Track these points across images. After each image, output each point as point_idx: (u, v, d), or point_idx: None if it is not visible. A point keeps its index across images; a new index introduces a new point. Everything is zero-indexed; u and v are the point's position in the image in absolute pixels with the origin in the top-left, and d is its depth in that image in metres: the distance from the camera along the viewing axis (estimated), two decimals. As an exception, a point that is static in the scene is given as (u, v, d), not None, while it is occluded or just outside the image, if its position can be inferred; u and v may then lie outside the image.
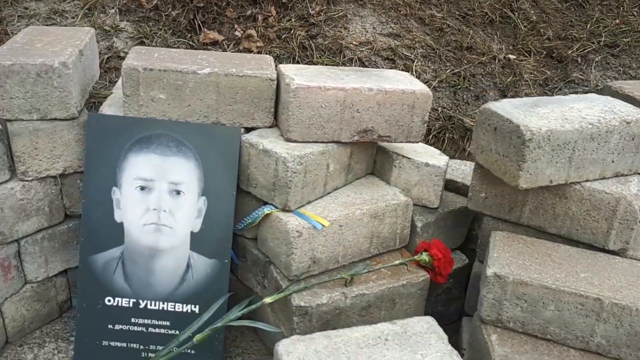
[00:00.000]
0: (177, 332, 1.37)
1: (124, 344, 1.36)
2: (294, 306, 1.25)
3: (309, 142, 1.32)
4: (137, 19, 2.90)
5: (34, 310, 1.47)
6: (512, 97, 2.81)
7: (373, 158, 1.51)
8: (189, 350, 1.30)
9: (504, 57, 3.32)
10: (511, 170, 1.20)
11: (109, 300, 1.35)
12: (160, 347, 1.35)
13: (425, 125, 1.40)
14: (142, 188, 1.34)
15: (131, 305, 1.36)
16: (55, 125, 1.31)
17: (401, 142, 1.40)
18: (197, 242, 1.35)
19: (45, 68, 1.24)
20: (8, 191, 1.30)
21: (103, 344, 1.36)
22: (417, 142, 1.43)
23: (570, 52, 3.21)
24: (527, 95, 2.94)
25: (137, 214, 1.34)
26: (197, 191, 1.34)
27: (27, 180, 1.33)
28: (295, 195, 1.29)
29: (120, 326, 1.36)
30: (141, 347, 1.37)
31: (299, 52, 2.81)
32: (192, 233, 1.34)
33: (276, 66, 1.40)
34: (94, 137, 1.34)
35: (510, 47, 3.44)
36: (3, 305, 1.38)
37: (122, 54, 2.67)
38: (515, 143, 1.18)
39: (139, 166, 1.34)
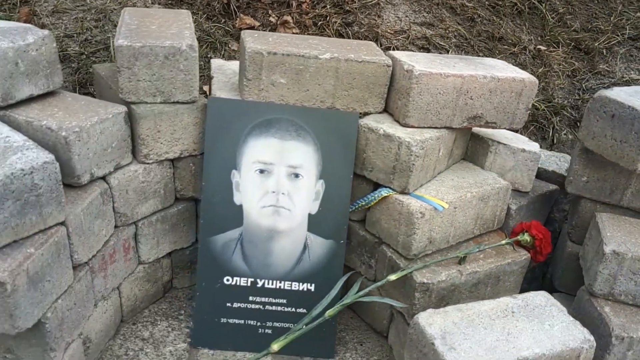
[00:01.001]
0: (293, 309, 1.43)
1: (242, 321, 1.41)
2: (416, 283, 1.31)
3: (423, 127, 1.39)
4: (169, 2, 2.87)
5: (144, 290, 1.50)
6: (544, 87, 2.90)
7: (467, 144, 1.59)
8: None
9: (535, 48, 3.42)
10: (630, 155, 1.27)
11: (227, 280, 1.40)
12: (277, 324, 1.41)
13: (528, 112, 1.47)
14: (262, 171, 1.38)
15: (249, 284, 1.41)
16: (177, 108, 1.32)
17: (504, 128, 1.47)
18: (315, 223, 1.40)
19: (173, 50, 1.26)
20: (132, 174, 1.32)
21: (221, 321, 1.41)
22: (519, 129, 1.50)
23: (596, 44, 3.33)
24: (558, 86, 3.04)
25: (256, 197, 1.38)
26: (315, 174, 1.39)
27: (147, 163, 1.35)
28: (414, 178, 1.35)
29: (238, 304, 1.41)
30: (258, 323, 1.42)
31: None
32: (309, 215, 1.39)
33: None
34: (214, 121, 1.36)
35: (539, 38, 3.54)
36: (121, 285, 1.42)
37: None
38: (637, 129, 1.26)
39: (259, 150, 1.38)
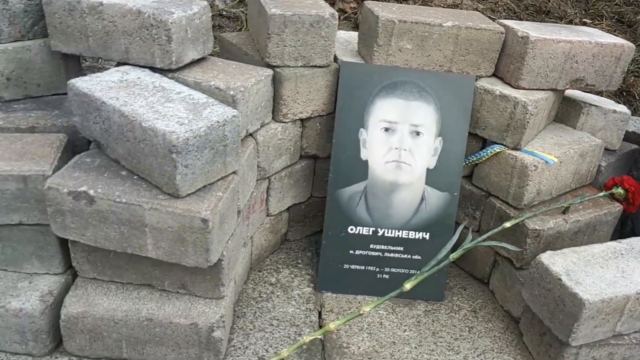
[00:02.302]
0: (409, 256, 1.57)
1: (362, 267, 1.56)
2: (528, 229, 1.45)
3: (533, 89, 1.50)
4: None
5: (267, 241, 1.64)
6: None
7: (559, 106, 1.71)
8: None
9: (580, 21, 3.49)
10: None
11: (351, 229, 1.54)
12: (394, 270, 1.56)
13: (623, 75, 1.58)
14: (387, 129, 1.50)
15: (370, 233, 1.55)
16: (314, 71, 1.45)
17: (600, 90, 1.59)
18: (432, 177, 1.53)
19: (318, 19, 1.38)
20: (273, 131, 1.45)
21: (344, 267, 1.56)
22: (613, 90, 1.59)
23: (638, 17, 3.40)
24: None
25: (381, 153, 1.51)
26: (435, 132, 1.52)
27: (285, 122, 1.48)
28: (527, 135, 1.47)
29: (360, 251, 1.55)
30: (377, 269, 1.57)
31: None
32: (427, 169, 1.53)
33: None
34: (346, 84, 1.48)
35: (583, 12, 3.61)
36: (254, 234, 1.55)
37: (223, 13, 2.72)
38: None
39: (385, 110, 1.50)
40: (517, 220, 1.47)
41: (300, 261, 1.72)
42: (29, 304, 1.21)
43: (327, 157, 1.65)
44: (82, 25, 1.31)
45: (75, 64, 1.49)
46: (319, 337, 1.33)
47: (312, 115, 1.53)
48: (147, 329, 1.23)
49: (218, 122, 1.13)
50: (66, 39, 1.34)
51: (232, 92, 1.27)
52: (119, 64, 1.37)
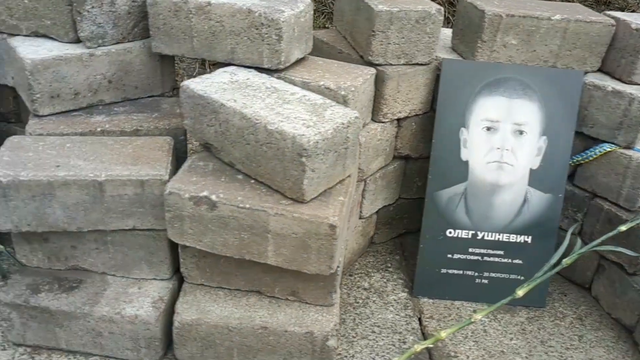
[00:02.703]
0: (510, 260, 1.51)
1: (460, 272, 1.51)
2: (644, 232, 1.39)
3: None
4: None
5: (358, 244, 1.61)
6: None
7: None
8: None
9: (642, 10, 3.37)
10: None
11: (450, 232, 1.49)
12: (493, 274, 1.49)
13: None
14: (488, 129, 1.45)
15: (470, 236, 1.50)
16: (416, 69, 1.40)
17: None
18: (535, 178, 1.47)
19: (424, 14, 1.33)
20: (373, 131, 1.41)
21: (442, 271, 1.51)
22: None
23: None
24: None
25: (482, 153, 1.46)
26: (539, 131, 1.45)
27: (383, 122, 1.44)
28: (640, 133, 1.41)
29: (459, 255, 1.50)
30: (475, 274, 1.52)
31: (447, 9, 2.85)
32: (530, 170, 1.47)
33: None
34: (447, 81, 1.43)
35: (645, 2, 3.48)
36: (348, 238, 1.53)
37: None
38: None
39: (487, 108, 1.44)
40: (634, 223, 1.41)
41: (389, 265, 1.67)
42: (143, 311, 1.19)
43: (418, 157, 1.60)
44: (187, 26, 1.29)
45: (170, 66, 1.47)
46: (430, 345, 1.30)
47: (409, 115, 1.48)
48: (260, 337, 1.20)
49: (342, 124, 1.09)
50: (169, 40, 1.32)
51: (343, 92, 1.23)
52: (217, 64, 1.35)
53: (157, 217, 1.18)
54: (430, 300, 1.51)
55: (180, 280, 1.27)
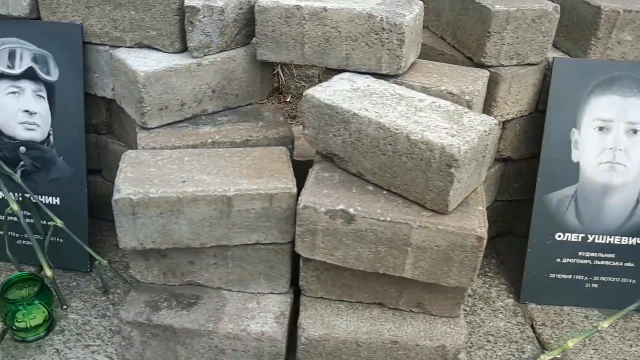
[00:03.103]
0: (621, 263, 1.46)
1: (570, 276, 1.47)
2: None
3: None
4: None
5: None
6: None
7: None
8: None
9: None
10: None
11: (559, 236, 1.44)
12: (603, 278, 1.44)
13: None
14: (601, 128, 1.40)
15: (579, 239, 1.45)
16: (527, 70, 1.35)
17: None
18: (649, 179, 1.44)
19: (541, 13, 1.28)
20: (483, 135, 1.38)
21: (550, 276, 1.47)
22: None
23: None
24: None
25: (594, 154, 1.41)
26: (654, 130, 1.42)
27: (492, 125, 1.41)
28: None
29: (568, 259, 1.46)
30: (585, 278, 1.48)
31: None
32: (644, 170, 1.44)
33: None
34: (558, 81, 1.38)
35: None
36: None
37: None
38: None
39: (600, 107, 1.39)
40: None
41: (488, 269, 1.63)
42: (268, 327, 1.16)
43: (518, 159, 1.57)
44: (299, 33, 1.25)
45: (269, 73, 1.42)
46: (557, 355, 1.26)
47: (516, 117, 1.44)
48: (389, 352, 1.16)
49: (485, 131, 1.05)
50: (277, 47, 1.29)
51: (467, 97, 1.19)
52: (328, 70, 1.31)
53: (281, 231, 1.15)
54: (539, 306, 1.46)
55: (295, 294, 1.25)
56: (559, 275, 1.46)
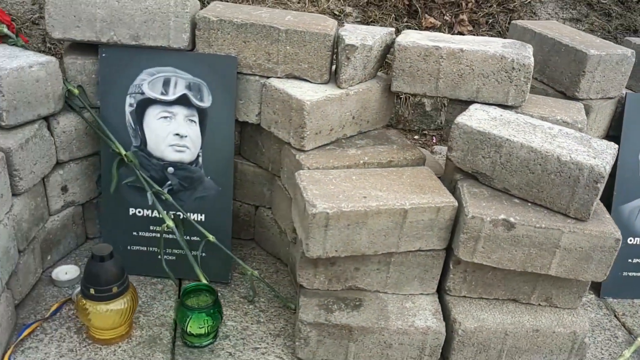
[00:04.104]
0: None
1: (637, 274, 1.73)
2: None
3: None
4: (359, 4, 3.09)
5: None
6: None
7: None
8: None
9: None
10: None
11: (630, 240, 1.70)
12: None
13: None
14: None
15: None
16: (607, 103, 1.63)
17: None
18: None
19: (622, 57, 1.56)
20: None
21: (623, 274, 1.70)
22: None
23: None
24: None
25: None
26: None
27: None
28: None
29: (637, 260, 1.70)
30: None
31: (506, 35, 3.12)
32: (694, 184, 1.72)
33: None
34: (630, 112, 1.64)
35: (667, 29, 3.92)
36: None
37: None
38: None
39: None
40: None
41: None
42: (431, 322, 1.33)
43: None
44: (435, 69, 1.44)
45: (392, 101, 1.60)
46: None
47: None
48: (531, 339, 1.35)
49: (611, 154, 1.28)
50: (412, 80, 1.47)
51: (579, 126, 1.43)
52: (453, 100, 1.50)
53: (440, 239, 1.33)
54: (615, 300, 1.72)
55: (439, 294, 1.40)
56: (630, 273, 1.74)
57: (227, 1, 2.18)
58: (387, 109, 1.61)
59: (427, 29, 3.16)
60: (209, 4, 1.70)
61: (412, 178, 1.39)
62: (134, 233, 1.52)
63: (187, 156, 1.50)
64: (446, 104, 2.76)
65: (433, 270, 1.39)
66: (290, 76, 1.48)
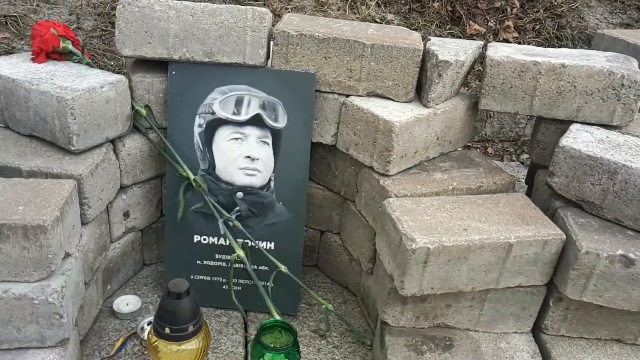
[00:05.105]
0: None
1: None
2: None
3: None
4: (400, 10, 2.99)
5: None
6: None
7: None
8: None
9: None
10: None
11: None
12: None
13: None
14: None
15: None
16: None
17: None
18: None
19: None
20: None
21: None
22: None
23: None
24: None
25: None
26: None
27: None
28: None
29: None
30: None
31: (554, 41, 3.00)
32: None
33: None
34: None
35: None
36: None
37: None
38: None
39: None
40: None
41: None
42: (532, 367, 1.22)
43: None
44: (531, 86, 1.33)
45: (474, 120, 1.49)
46: None
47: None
48: (642, 384, 1.25)
49: None
50: (504, 98, 1.36)
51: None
52: (541, 119, 1.38)
53: (542, 274, 1.21)
54: None
55: (533, 332, 1.28)
56: None
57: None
58: (469, 128, 1.50)
59: (471, 36, 3.05)
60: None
61: (510, 207, 1.28)
62: (198, 262, 1.43)
63: (258, 180, 1.41)
64: (492, 115, 2.64)
65: (531, 308, 1.27)
66: (371, 94, 1.38)
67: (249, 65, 1.35)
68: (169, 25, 1.32)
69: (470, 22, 3.03)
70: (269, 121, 1.39)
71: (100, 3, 2.36)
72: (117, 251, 1.45)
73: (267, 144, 1.39)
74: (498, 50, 1.39)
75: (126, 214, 1.46)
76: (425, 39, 1.41)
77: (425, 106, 1.35)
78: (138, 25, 1.31)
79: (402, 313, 1.25)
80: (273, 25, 1.40)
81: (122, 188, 1.41)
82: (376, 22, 2.80)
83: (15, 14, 2.21)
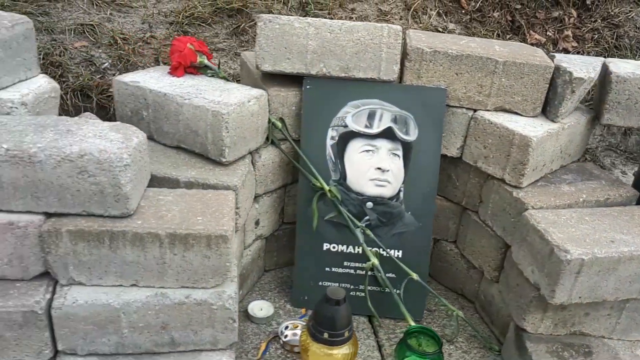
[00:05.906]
0: None
1: None
2: None
3: None
4: (460, 20, 3.04)
5: None
6: None
7: None
8: None
9: None
10: None
11: None
12: None
13: None
14: None
15: None
16: None
17: None
18: None
19: None
20: None
21: None
22: None
23: None
24: None
25: None
26: None
27: None
28: None
29: None
30: None
31: (613, 51, 3.03)
32: None
33: None
34: None
35: None
36: None
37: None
38: None
39: None
40: None
41: None
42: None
43: None
44: (657, 101, 1.38)
45: (591, 132, 1.53)
46: None
47: None
48: None
49: None
50: (628, 113, 1.40)
51: None
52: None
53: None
54: None
55: None
56: None
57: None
58: (585, 141, 1.54)
59: (532, 45, 3.10)
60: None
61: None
62: (327, 269, 1.48)
63: (387, 191, 1.46)
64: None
65: (667, 317, 1.33)
66: (499, 109, 1.42)
67: (383, 80, 1.41)
68: (308, 42, 1.38)
69: (531, 31, 3.08)
70: (400, 134, 1.44)
71: (171, 12, 2.43)
72: (248, 258, 1.51)
73: (398, 156, 1.45)
74: (619, 66, 1.43)
75: (257, 222, 1.52)
76: (549, 55, 1.46)
77: (553, 121, 1.40)
78: (278, 41, 1.37)
79: (542, 320, 1.29)
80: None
81: (255, 197, 1.49)
82: (439, 31, 2.85)
83: (91, 23, 2.28)
